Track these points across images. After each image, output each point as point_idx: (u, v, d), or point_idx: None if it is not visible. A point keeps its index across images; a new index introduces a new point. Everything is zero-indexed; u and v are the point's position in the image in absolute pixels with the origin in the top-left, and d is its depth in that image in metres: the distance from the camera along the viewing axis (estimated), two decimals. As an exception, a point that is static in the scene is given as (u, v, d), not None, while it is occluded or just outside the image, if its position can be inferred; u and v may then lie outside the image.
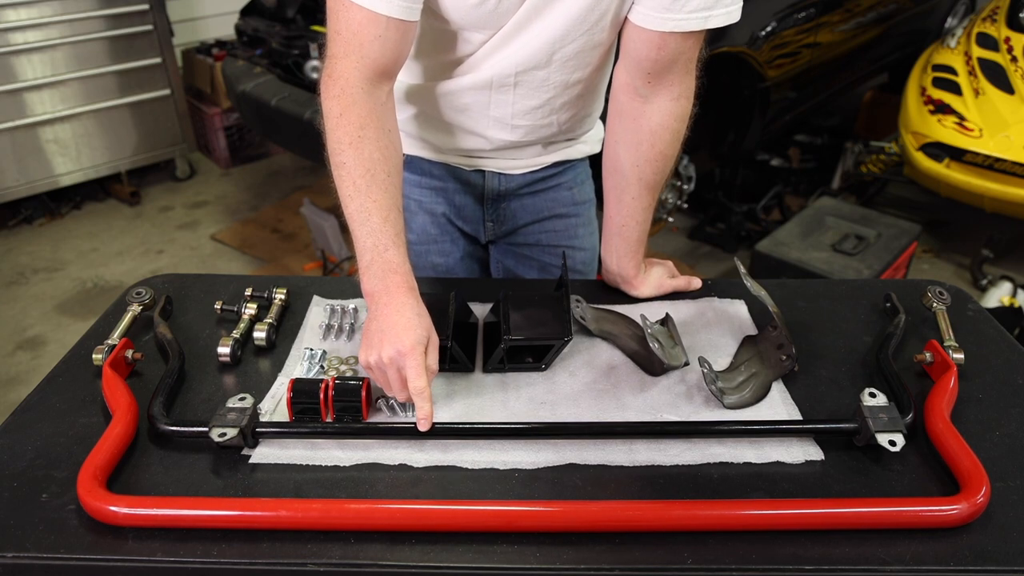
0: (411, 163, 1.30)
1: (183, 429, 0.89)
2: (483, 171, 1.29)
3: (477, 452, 0.89)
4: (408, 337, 0.88)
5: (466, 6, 1.02)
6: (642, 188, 1.16)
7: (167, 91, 3.86)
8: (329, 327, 1.11)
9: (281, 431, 0.90)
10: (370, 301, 0.94)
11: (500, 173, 1.29)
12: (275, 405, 0.96)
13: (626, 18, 1.05)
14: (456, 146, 1.25)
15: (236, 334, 1.06)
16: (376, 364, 0.90)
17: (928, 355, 1.02)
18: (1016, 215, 3.03)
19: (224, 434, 0.85)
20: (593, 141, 1.35)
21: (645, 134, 1.11)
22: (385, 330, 0.90)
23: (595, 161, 1.40)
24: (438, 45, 1.11)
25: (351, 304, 1.15)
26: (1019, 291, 2.98)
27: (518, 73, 1.10)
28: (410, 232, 1.36)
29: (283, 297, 1.15)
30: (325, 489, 0.84)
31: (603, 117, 1.27)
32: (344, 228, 3.18)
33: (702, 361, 0.96)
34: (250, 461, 0.87)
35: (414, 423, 0.91)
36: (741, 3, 1.02)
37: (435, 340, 0.93)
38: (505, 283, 1.36)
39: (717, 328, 1.13)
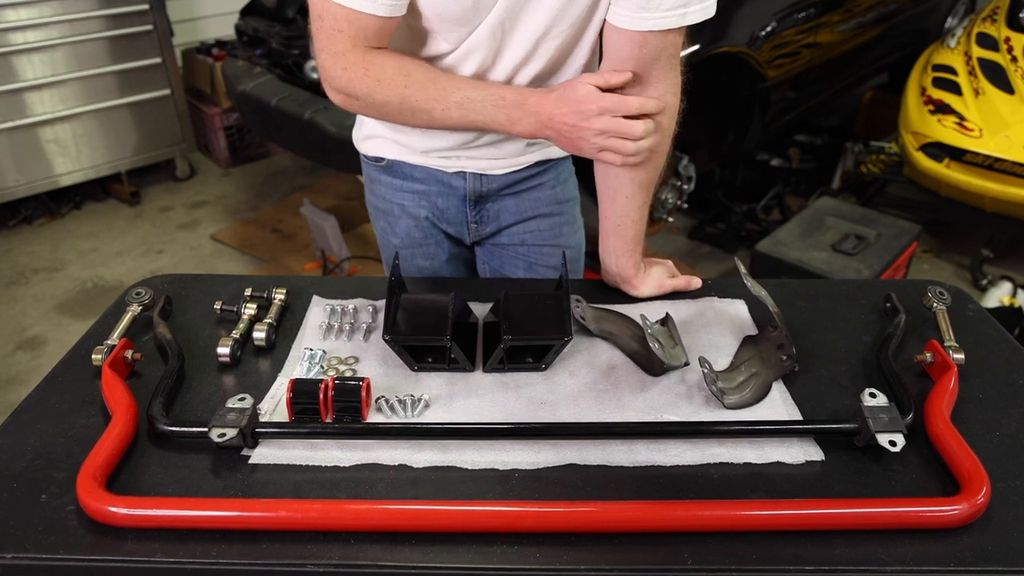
0: (392, 167, 1.31)
1: (183, 429, 0.89)
2: (464, 173, 1.29)
3: (477, 452, 0.89)
4: (571, 92, 1.01)
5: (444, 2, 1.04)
6: (635, 187, 1.16)
7: (167, 91, 3.86)
8: (329, 327, 1.11)
9: (281, 431, 0.90)
10: (520, 110, 1.04)
11: (482, 174, 1.29)
12: (275, 405, 0.96)
13: (605, 20, 1.06)
14: (435, 146, 1.25)
15: (236, 334, 1.06)
16: (598, 121, 1.00)
17: (928, 355, 1.02)
18: (1016, 215, 3.03)
19: (224, 434, 0.85)
20: None
21: None
22: (564, 100, 1.01)
23: (579, 158, 1.40)
24: (415, 44, 1.11)
25: (351, 304, 1.14)
26: (1019, 291, 2.98)
27: (496, 72, 1.11)
28: (394, 236, 1.37)
29: (283, 297, 1.15)
30: (325, 489, 0.84)
31: None
32: (344, 228, 3.20)
33: (702, 361, 0.96)
34: (250, 461, 0.87)
35: (414, 423, 0.91)
36: None
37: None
38: (505, 283, 1.36)
39: (717, 328, 1.13)
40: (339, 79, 1.06)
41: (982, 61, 3.25)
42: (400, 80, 1.04)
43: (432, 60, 1.12)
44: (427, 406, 0.96)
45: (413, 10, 1.05)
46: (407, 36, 1.11)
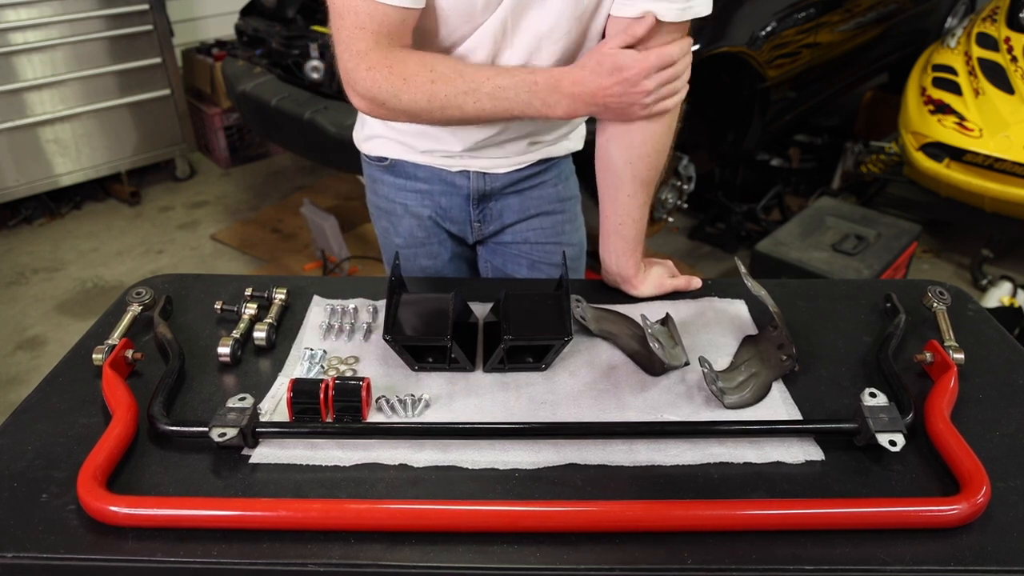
0: (395, 167, 1.31)
1: (183, 429, 0.89)
2: (468, 172, 1.29)
3: (477, 452, 0.89)
4: (608, 62, 1.01)
5: None
6: (637, 185, 1.16)
7: (167, 91, 3.86)
8: (329, 327, 1.11)
9: (281, 431, 0.90)
10: (555, 93, 1.03)
11: (485, 173, 1.29)
12: (275, 405, 0.96)
13: (609, 15, 1.06)
14: (439, 148, 1.25)
15: (236, 334, 1.06)
16: (647, 83, 1.01)
17: (928, 355, 1.02)
18: (1016, 215, 3.03)
19: (224, 434, 0.85)
20: (577, 138, 1.36)
21: (636, 130, 1.11)
22: (602, 72, 1.01)
23: (579, 158, 1.40)
24: (416, 42, 1.11)
25: (351, 304, 1.15)
26: (1019, 291, 2.98)
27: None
28: (397, 236, 1.37)
29: (283, 297, 1.15)
30: (325, 489, 0.84)
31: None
32: (344, 228, 3.20)
33: (702, 361, 0.96)
34: (250, 461, 0.87)
35: (414, 423, 0.91)
36: None
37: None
38: (505, 283, 1.36)
39: (717, 328, 1.13)
40: (363, 81, 1.02)
41: (982, 61, 3.25)
42: (426, 76, 1.02)
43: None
44: (427, 406, 0.96)
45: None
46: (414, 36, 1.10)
